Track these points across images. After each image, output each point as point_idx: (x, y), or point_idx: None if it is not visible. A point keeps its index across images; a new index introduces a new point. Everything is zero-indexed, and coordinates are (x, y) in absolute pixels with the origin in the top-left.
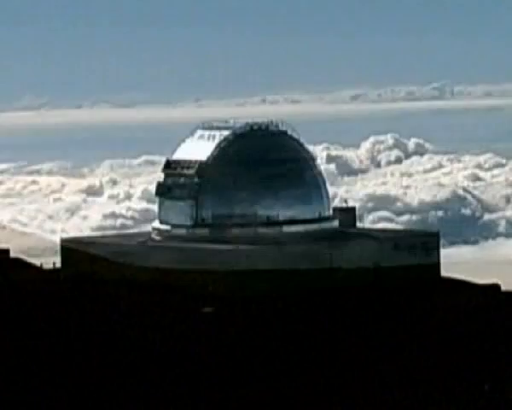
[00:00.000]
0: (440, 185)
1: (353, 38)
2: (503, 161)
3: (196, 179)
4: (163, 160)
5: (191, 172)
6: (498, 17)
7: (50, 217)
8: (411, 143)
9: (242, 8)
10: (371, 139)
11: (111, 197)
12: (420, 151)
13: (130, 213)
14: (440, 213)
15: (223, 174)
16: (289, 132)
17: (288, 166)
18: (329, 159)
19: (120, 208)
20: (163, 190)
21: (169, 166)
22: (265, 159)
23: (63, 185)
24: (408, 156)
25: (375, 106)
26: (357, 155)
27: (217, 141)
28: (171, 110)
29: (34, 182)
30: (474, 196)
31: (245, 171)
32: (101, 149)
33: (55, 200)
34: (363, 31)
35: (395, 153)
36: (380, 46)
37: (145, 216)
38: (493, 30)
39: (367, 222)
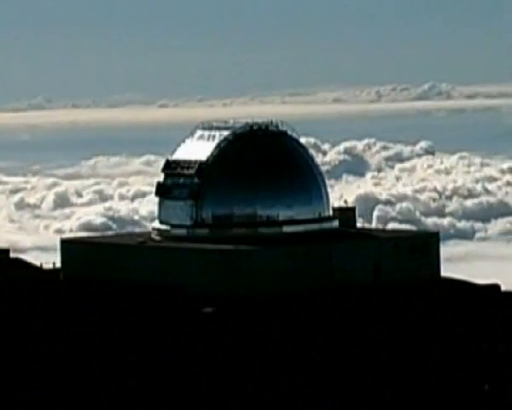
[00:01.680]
0: (441, 186)
1: (346, 40)
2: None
3: (196, 179)
4: (159, 160)
5: (191, 172)
6: (492, 18)
7: (42, 217)
8: (405, 144)
9: (231, 11)
10: (364, 140)
11: (105, 198)
12: (413, 151)
13: (125, 214)
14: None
15: (223, 174)
16: (289, 132)
17: (287, 167)
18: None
19: (116, 208)
20: (163, 190)
21: (169, 166)
22: (265, 159)
23: (54, 185)
24: (403, 156)
25: (370, 106)
26: (347, 156)
27: (217, 141)
28: (166, 110)
29: (27, 182)
30: (486, 194)
31: (245, 171)
32: (97, 150)
33: (48, 200)
34: (355, 32)
35: (390, 153)
36: (373, 47)
37: (133, 216)
38: (486, 31)
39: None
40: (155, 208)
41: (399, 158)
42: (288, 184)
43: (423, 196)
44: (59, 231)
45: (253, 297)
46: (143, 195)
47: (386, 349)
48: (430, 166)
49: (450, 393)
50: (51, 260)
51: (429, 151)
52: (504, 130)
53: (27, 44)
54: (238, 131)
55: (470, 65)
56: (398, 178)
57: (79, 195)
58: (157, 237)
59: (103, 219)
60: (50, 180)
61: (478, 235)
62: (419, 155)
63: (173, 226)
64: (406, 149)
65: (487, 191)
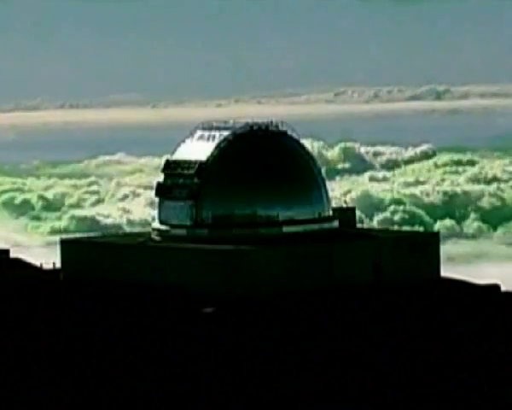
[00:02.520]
0: (440, 187)
1: (342, 40)
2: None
3: (196, 180)
4: (157, 160)
5: (191, 172)
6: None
7: (35, 217)
8: (405, 145)
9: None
10: (363, 141)
11: (102, 198)
12: (412, 152)
13: (122, 214)
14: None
15: (223, 174)
16: (289, 133)
17: (287, 167)
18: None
19: (113, 209)
20: (163, 191)
21: (169, 166)
22: (265, 159)
23: (50, 185)
24: (402, 157)
25: (368, 106)
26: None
27: (216, 141)
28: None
29: (24, 183)
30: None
31: (245, 171)
32: (94, 150)
33: (43, 200)
34: (353, 33)
35: (390, 154)
36: (371, 48)
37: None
38: (484, 31)
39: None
40: (155, 209)
41: (398, 159)
42: (287, 185)
43: (423, 197)
44: (56, 231)
45: (253, 297)
46: (141, 195)
47: (386, 349)
48: (428, 167)
49: (450, 393)
50: (51, 260)
51: (428, 152)
52: (502, 130)
53: (24, 45)
54: (238, 132)
55: (467, 65)
56: (397, 179)
57: (76, 195)
58: (157, 238)
59: (101, 220)
60: (46, 180)
61: (478, 235)
62: (418, 156)
63: (173, 226)
64: (405, 150)
65: (487, 192)
